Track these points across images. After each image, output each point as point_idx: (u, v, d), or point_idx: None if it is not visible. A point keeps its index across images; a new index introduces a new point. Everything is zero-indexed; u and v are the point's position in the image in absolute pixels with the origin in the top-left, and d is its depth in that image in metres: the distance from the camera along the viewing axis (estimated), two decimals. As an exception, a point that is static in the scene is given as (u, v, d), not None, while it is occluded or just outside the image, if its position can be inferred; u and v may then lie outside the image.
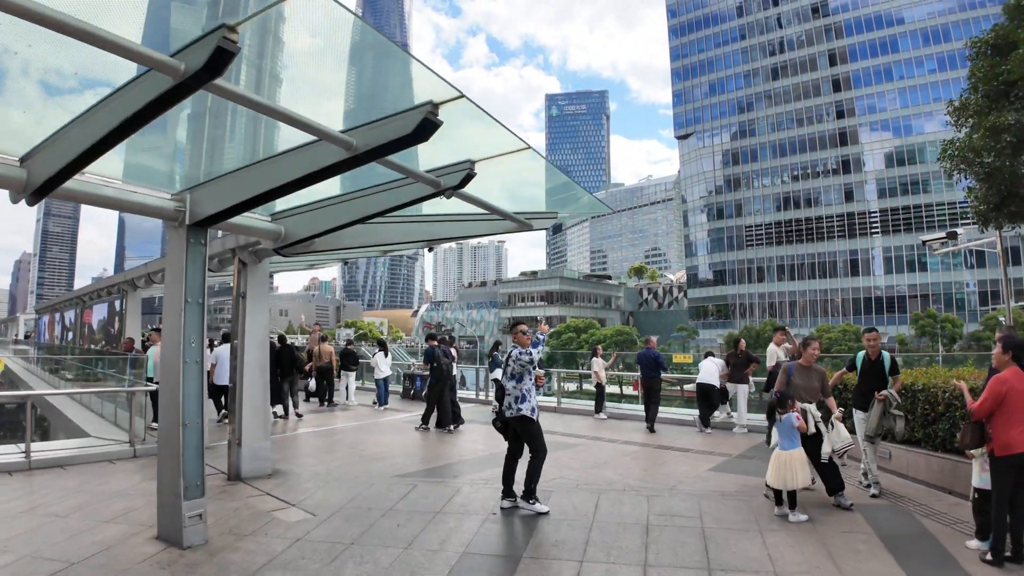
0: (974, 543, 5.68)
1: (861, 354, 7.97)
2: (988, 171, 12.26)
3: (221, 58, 3.52)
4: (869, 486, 7.64)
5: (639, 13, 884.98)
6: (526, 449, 7.15)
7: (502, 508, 6.93)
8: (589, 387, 25.54)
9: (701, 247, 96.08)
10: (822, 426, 7.05)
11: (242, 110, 6.10)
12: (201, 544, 5.82)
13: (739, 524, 6.40)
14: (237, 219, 6.69)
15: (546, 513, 6.78)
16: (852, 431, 7.85)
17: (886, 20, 79.99)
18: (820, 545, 5.77)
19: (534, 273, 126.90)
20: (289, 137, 5.41)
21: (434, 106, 4.35)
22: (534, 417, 7.09)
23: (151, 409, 10.69)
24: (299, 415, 14.41)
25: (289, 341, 15.14)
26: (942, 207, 73.83)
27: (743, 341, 13.59)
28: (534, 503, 6.87)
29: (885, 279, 78.54)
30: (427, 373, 13.94)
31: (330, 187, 6.68)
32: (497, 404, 7.36)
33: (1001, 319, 53.62)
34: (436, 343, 13.43)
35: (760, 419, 11.95)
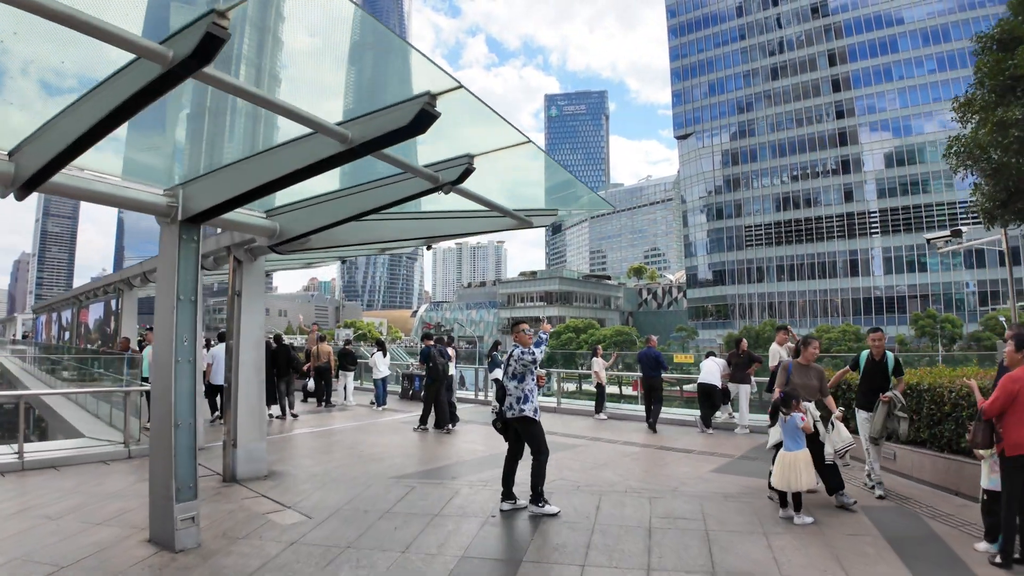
0: (983, 545, 5.56)
1: (865, 353, 7.86)
2: (995, 167, 12.13)
3: (211, 44, 3.39)
4: (874, 487, 7.52)
5: (639, 13, 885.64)
6: (526, 450, 7.02)
7: (502, 510, 6.80)
8: (589, 387, 25.44)
9: (700, 247, 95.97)
10: (820, 426, 6.95)
11: (237, 104, 6.00)
12: (194, 547, 5.69)
13: (743, 526, 6.27)
14: (231, 215, 6.57)
15: (556, 514, 6.68)
16: (855, 431, 7.77)
17: (886, 20, 79.92)
18: (826, 548, 5.65)
19: (533, 273, 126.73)
20: (285, 131, 5.30)
21: (432, 97, 4.22)
22: (536, 418, 6.96)
23: (147, 409, 10.56)
24: (294, 415, 14.30)
25: (288, 341, 15.02)
26: (942, 207, 73.80)
27: (745, 341, 13.47)
28: (543, 505, 6.75)
29: (885, 279, 78.45)
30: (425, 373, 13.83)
31: (326, 183, 6.55)
32: (497, 405, 7.21)
33: (1002, 319, 53.54)
34: (432, 343, 13.31)
35: (762, 420, 11.84)
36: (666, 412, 13.52)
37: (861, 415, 7.76)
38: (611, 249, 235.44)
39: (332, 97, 4.75)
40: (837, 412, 7.31)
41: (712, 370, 12.67)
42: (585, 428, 12.87)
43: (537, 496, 6.77)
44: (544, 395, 16.99)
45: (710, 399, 12.60)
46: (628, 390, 28.50)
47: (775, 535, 5.99)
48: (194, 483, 5.82)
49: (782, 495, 6.59)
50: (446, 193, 5.58)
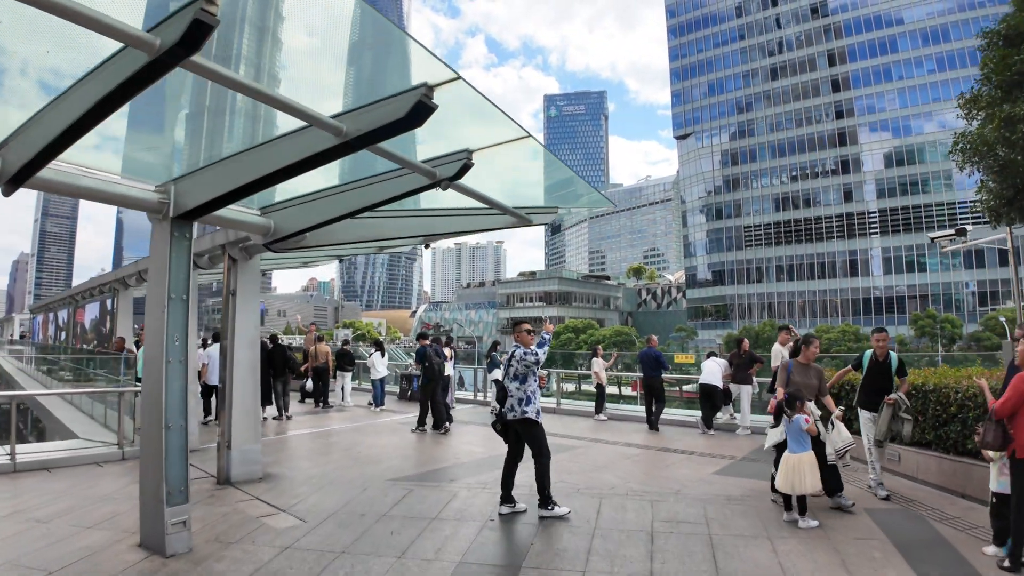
0: (991, 549, 5.45)
1: (868, 353, 7.77)
2: (1002, 164, 11.97)
3: (199, 31, 3.26)
4: (877, 489, 7.44)
5: (638, 13, 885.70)
6: (525, 453, 6.89)
7: (500, 514, 6.66)
8: (588, 388, 25.34)
9: (700, 247, 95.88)
10: (820, 425, 6.84)
11: (231, 99, 5.89)
12: (185, 552, 5.55)
13: (747, 530, 6.14)
14: (224, 212, 6.42)
15: (567, 514, 6.57)
16: (857, 432, 7.69)
17: (885, 20, 79.87)
18: (833, 553, 5.52)
19: (533, 273, 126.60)
20: (279, 126, 5.17)
21: (429, 88, 4.09)
22: (539, 419, 6.82)
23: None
24: (288, 417, 14.15)
25: (286, 342, 14.90)
26: (941, 207, 73.79)
27: (746, 341, 13.31)
28: (552, 508, 6.61)
29: (884, 279, 78.40)
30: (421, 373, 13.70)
31: (322, 179, 6.44)
32: (498, 406, 7.06)
33: (1002, 319, 53.49)
34: (428, 342, 13.18)
35: (763, 421, 11.73)
36: (666, 413, 13.41)
37: (864, 415, 7.67)
38: (610, 249, 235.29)
39: (327, 89, 4.64)
40: (837, 412, 7.22)
41: (713, 370, 12.55)
42: (585, 429, 12.73)
43: (546, 499, 6.64)
44: (544, 395, 16.85)
45: (711, 400, 12.48)
46: (627, 390, 28.39)
47: (780, 539, 5.86)
48: (185, 486, 5.69)
49: (787, 498, 6.46)
50: (444, 189, 5.45)
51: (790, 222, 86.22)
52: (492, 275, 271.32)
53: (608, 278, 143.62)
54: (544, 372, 7.36)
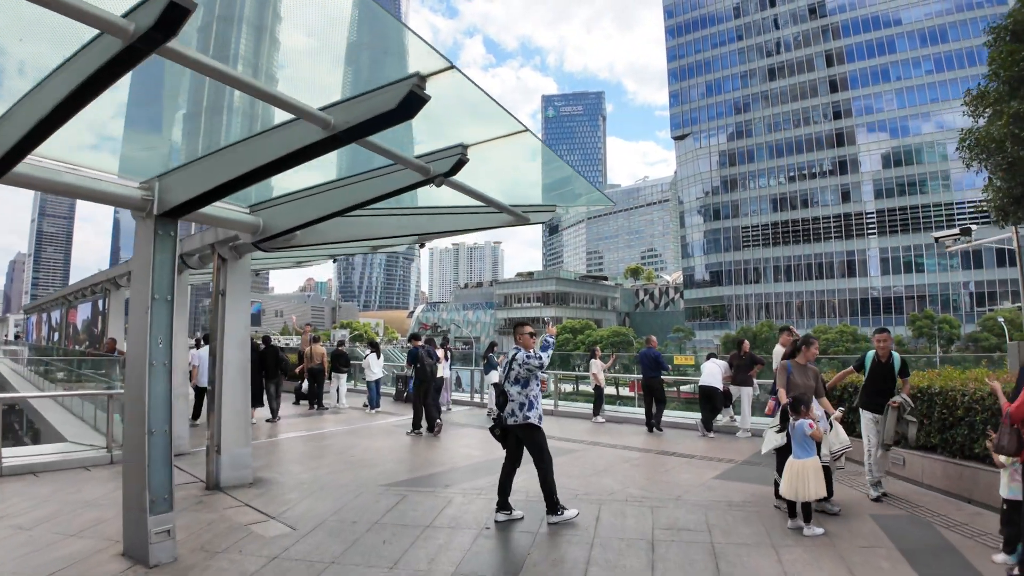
0: (1000, 557, 5.28)
1: (870, 354, 7.63)
2: (1011, 161, 11.77)
3: (174, 15, 3.08)
4: (875, 486, 7.37)
5: (636, 14, 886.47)
6: (523, 457, 6.69)
7: (497, 521, 6.46)
8: (586, 388, 25.13)
9: (697, 248, 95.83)
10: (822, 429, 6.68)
11: (217, 93, 5.69)
12: (169, 562, 5.35)
13: (750, 538, 5.95)
14: (211, 210, 6.23)
15: (576, 516, 6.46)
16: (858, 435, 7.63)
17: (883, 21, 79.91)
18: (839, 561, 5.34)
19: (530, 274, 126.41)
20: (268, 120, 4.98)
21: (421, 78, 3.90)
22: (541, 424, 6.63)
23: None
24: (277, 419, 13.94)
25: (283, 342, 14.71)
26: (939, 208, 73.82)
27: (747, 342, 13.12)
28: (562, 512, 6.45)
29: (882, 280, 78.42)
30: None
31: (312, 176, 6.25)
32: (496, 410, 6.84)
33: (1000, 319, 53.47)
34: (420, 343, 12.98)
35: (764, 423, 11.56)
36: (665, 414, 13.20)
37: (866, 416, 7.56)
38: (608, 250, 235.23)
39: (313, 78, 4.44)
40: (837, 413, 7.11)
41: (713, 372, 12.37)
42: (583, 432, 12.53)
43: (553, 505, 6.46)
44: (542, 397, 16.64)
45: (711, 402, 12.30)
46: (625, 391, 28.18)
47: (785, 548, 5.67)
48: (169, 494, 5.48)
49: (791, 505, 6.28)
50: (438, 186, 5.26)
51: (788, 223, 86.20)
52: (490, 275, 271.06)
53: (606, 278, 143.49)
54: (544, 375, 7.13)
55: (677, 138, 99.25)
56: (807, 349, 7.27)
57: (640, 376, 13.29)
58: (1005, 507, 5.39)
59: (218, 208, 6.43)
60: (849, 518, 6.58)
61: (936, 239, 16.25)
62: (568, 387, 32.31)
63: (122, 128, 5.65)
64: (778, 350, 10.87)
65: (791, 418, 6.35)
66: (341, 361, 17.02)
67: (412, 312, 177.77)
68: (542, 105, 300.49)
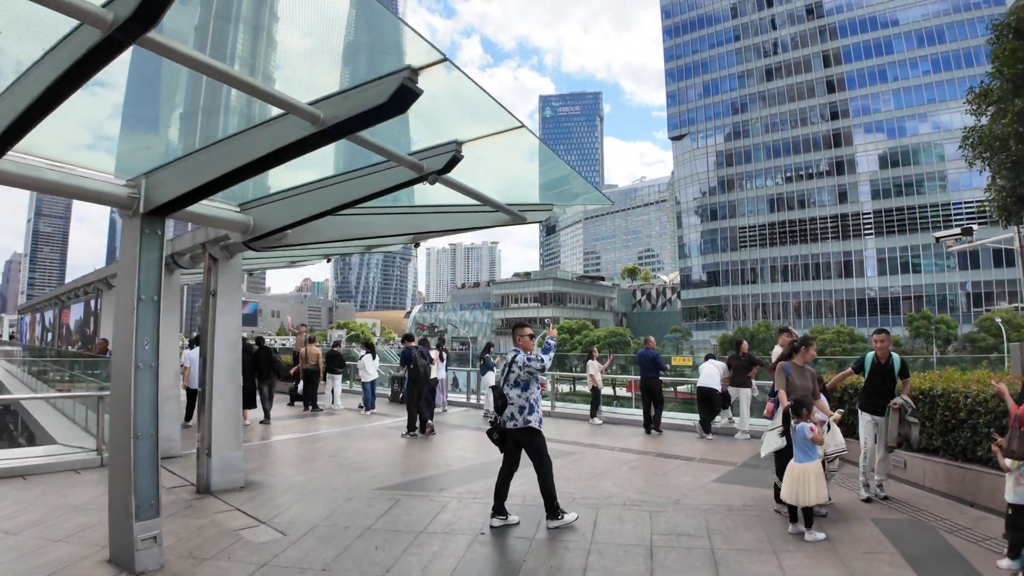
0: (1005, 562, 5.17)
1: (870, 355, 7.56)
2: (1015, 160, 11.63)
3: (153, 5, 2.95)
4: (869, 485, 7.33)
5: (634, 14, 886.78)
6: (521, 462, 6.56)
7: (492, 527, 6.32)
8: (583, 389, 24.97)
9: (694, 248, 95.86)
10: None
11: (206, 88, 5.56)
12: (156, 569, 5.21)
13: (751, 544, 5.83)
14: (200, 209, 6.09)
15: (575, 520, 6.36)
16: (855, 436, 7.59)
17: (880, 22, 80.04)
18: (842, 568, 5.22)
19: (527, 274, 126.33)
20: (257, 116, 4.85)
21: (413, 72, 3.75)
22: (541, 428, 6.50)
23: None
24: (270, 420, 13.78)
25: (280, 343, 14.57)
26: (936, 208, 73.97)
27: (745, 343, 12.99)
28: (562, 516, 6.33)
29: (879, 280, 78.53)
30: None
31: (304, 174, 6.11)
32: (495, 413, 6.69)
33: (998, 320, 53.49)
34: (414, 344, 12.85)
35: (763, 425, 11.45)
36: (663, 415, 13.08)
37: (864, 417, 7.48)
38: (605, 250, 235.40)
39: (304, 72, 4.30)
40: (835, 415, 7.03)
41: (712, 373, 12.25)
42: (580, 434, 12.40)
43: (554, 509, 6.34)
44: (539, 398, 16.50)
45: (710, 403, 12.18)
46: (622, 391, 28.06)
47: (786, 553, 5.55)
48: (156, 499, 5.34)
49: (792, 509, 6.16)
50: (431, 183, 5.12)
51: (785, 223, 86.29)
52: (487, 276, 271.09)
53: (603, 279, 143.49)
54: (543, 377, 7.01)
55: (674, 138, 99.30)
56: (806, 350, 7.20)
57: (638, 377, 13.16)
58: (1010, 512, 5.29)
59: (207, 207, 6.30)
60: (850, 522, 6.47)
61: (937, 239, 16.13)
62: (565, 387, 32.20)
63: (108, 125, 5.53)
64: (777, 351, 10.77)
65: (792, 421, 6.23)
66: (336, 362, 16.86)
67: (409, 312, 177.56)
68: (539, 105, 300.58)
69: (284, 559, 5.46)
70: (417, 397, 12.18)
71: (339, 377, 16.99)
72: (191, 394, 12.76)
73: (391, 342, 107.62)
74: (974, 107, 12.95)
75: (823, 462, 6.55)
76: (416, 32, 3.64)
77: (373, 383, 16.10)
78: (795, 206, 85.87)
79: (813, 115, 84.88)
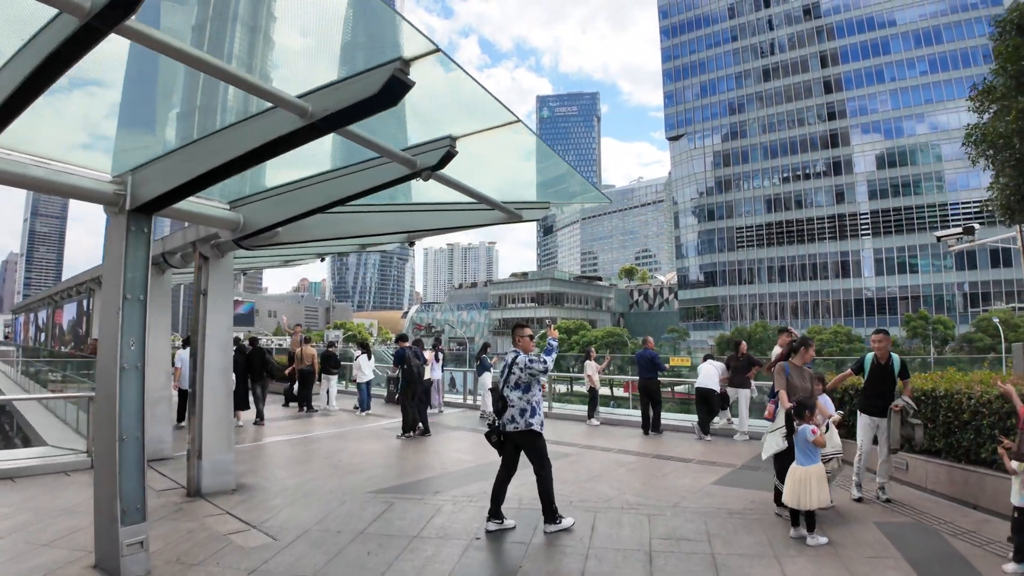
0: (1011, 567, 5.09)
1: (869, 356, 7.47)
2: (1018, 157, 11.50)
3: (131, -8, 2.82)
4: (887, 498, 7.19)
5: (631, 15, 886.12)
6: (519, 465, 6.43)
7: (488, 531, 6.18)
8: (580, 389, 24.86)
9: (692, 248, 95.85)
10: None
11: (195, 83, 5.43)
12: (142, 575, 5.08)
13: (752, 549, 5.71)
14: (188, 206, 5.96)
15: (572, 525, 6.22)
16: (855, 438, 7.48)
17: (878, 22, 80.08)
18: (846, 573, 5.11)
19: (525, 274, 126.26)
20: (247, 110, 4.72)
21: (404, 63, 3.63)
22: (542, 431, 6.37)
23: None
24: (263, 421, 13.66)
25: (278, 343, 14.44)
26: (933, 209, 74.04)
27: (744, 343, 12.86)
28: (560, 521, 6.21)
29: (876, 280, 78.59)
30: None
31: (296, 170, 5.98)
32: (494, 416, 6.52)
33: (995, 320, 53.51)
34: (407, 344, 12.71)
35: (762, 426, 11.35)
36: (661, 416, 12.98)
37: (863, 419, 7.41)
38: (602, 250, 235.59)
39: (292, 65, 4.18)
40: (835, 416, 6.95)
41: (710, 374, 12.13)
42: (578, 435, 12.27)
43: (551, 514, 6.22)
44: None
45: (708, 404, 12.06)
46: (620, 391, 28.00)
47: (788, 559, 5.43)
48: (142, 504, 5.20)
49: (793, 513, 6.03)
50: (425, 180, 4.99)
51: (782, 223, 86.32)
52: (484, 276, 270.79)
53: (600, 279, 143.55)
54: (544, 379, 6.87)
55: (672, 139, 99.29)
56: (805, 350, 7.10)
57: (635, 377, 13.04)
58: (1016, 515, 5.21)
59: (196, 204, 6.16)
60: (853, 525, 6.36)
61: (938, 238, 15.99)
62: (562, 388, 32.11)
63: (95, 122, 5.40)
64: (777, 351, 10.66)
65: (795, 423, 6.10)
66: (331, 362, 16.71)
67: (406, 313, 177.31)
68: (537, 106, 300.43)
69: (274, 565, 5.32)
70: (411, 397, 12.05)
71: (334, 378, 16.83)
72: (183, 395, 12.61)
73: (388, 342, 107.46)
74: (977, 104, 12.82)
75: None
76: (408, 22, 3.52)
77: (369, 384, 15.95)
78: (792, 206, 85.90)
79: (810, 115, 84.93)
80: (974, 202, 66.93)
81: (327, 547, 5.75)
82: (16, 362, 26.99)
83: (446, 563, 5.37)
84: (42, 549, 5.73)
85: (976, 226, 15.30)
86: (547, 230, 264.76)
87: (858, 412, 7.56)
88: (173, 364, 12.27)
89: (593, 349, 15.36)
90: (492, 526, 6.22)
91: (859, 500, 7.21)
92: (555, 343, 6.70)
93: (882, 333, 7.51)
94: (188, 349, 11.74)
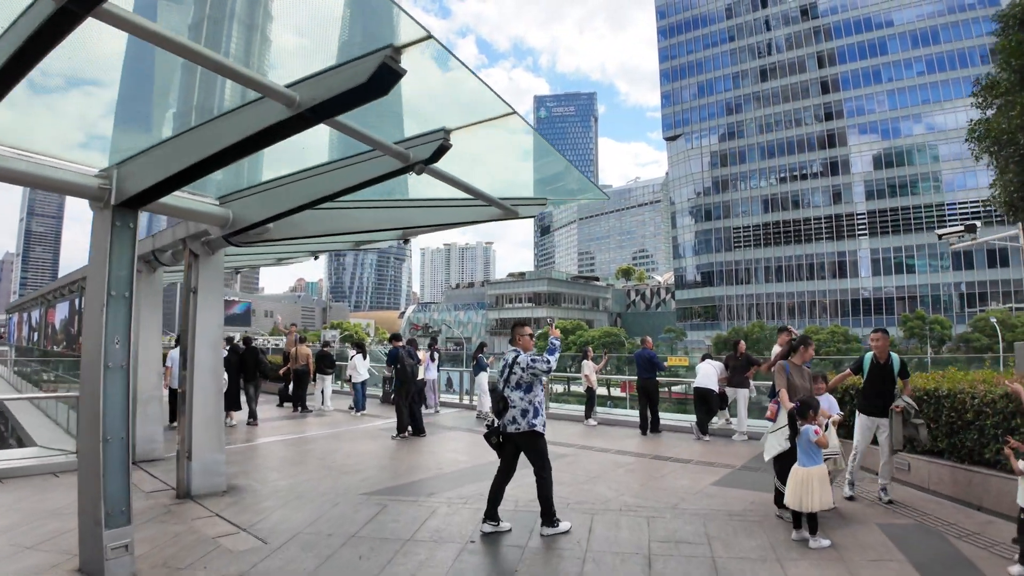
0: (1016, 569, 4.98)
1: (869, 356, 7.37)
2: (1023, 153, 11.36)
3: (108, -31, 2.69)
4: (889, 499, 7.09)
5: (629, 15, 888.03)
6: (518, 467, 6.29)
7: (483, 532, 6.05)
8: (577, 389, 24.71)
9: (689, 249, 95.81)
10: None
11: (184, 73, 5.30)
12: (127, 580, 4.94)
13: (753, 552, 5.58)
14: (176, 201, 5.81)
15: (568, 530, 6.07)
16: (850, 437, 7.44)
17: (875, 23, 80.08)
18: (849, 577, 4.99)
19: (522, 274, 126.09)
20: (235, 101, 4.58)
21: (395, 50, 3.49)
22: (544, 432, 6.22)
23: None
24: (257, 422, 13.52)
25: (274, 343, 14.30)
26: (930, 209, 74.08)
27: (743, 343, 12.72)
28: (557, 524, 6.07)
29: (872, 280, 78.60)
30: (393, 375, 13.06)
31: (287, 165, 5.85)
32: (494, 417, 6.32)
33: (993, 320, 53.52)
34: (400, 343, 12.57)
35: (760, 425, 11.24)
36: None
37: (861, 419, 7.33)
38: (599, 250, 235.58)
39: (280, 56, 4.04)
40: (835, 417, 6.84)
41: (709, 373, 12.01)
42: (575, 435, 12.15)
43: (550, 517, 6.08)
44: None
45: (707, 404, 11.93)
46: (616, 391, 27.84)
47: (790, 562, 5.30)
48: (127, 506, 5.07)
49: (795, 515, 5.91)
50: (418, 173, 4.86)
51: (779, 223, 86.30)
52: (481, 276, 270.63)
53: (597, 279, 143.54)
54: (546, 379, 6.71)
55: (669, 139, 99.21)
56: (804, 349, 7.04)
57: (632, 377, 12.92)
58: (1022, 516, 5.08)
59: (183, 199, 6.01)
60: (855, 527, 6.25)
61: (940, 236, 15.86)
62: (559, 388, 32.00)
63: (82, 116, 5.26)
64: (776, 350, 10.54)
65: (798, 423, 5.96)
66: (326, 362, 16.55)
67: (403, 313, 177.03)
68: (534, 106, 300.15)
69: (263, 569, 5.18)
70: (405, 397, 11.91)
71: (329, 378, 16.68)
72: (173, 394, 12.46)
73: (384, 342, 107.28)
74: (980, 100, 12.68)
75: None
76: (399, 7, 3.39)
77: (364, 384, 15.80)
78: (789, 207, 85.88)
79: (807, 116, 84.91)
80: (971, 202, 67.03)
81: (318, 550, 5.61)
82: (10, 362, 26.83)
83: (440, 567, 5.22)
84: (27, 552, 5.61)
85: (977, 224, 15.19)
86: (544, 230, 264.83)
87: (857, 412, 7.47)
88: (164, 364, 12.13)
89: (591, 349, 15.25)
90: (488, 527, 6.08)
91: (851, 499, 7.15)
92: (557, 342, 6.52)
93: (880, 332, 7.42)
94: (177, 348, 11.63)
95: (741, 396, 11.84)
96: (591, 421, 13.64)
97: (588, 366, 14.08)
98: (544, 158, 6.63)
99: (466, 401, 17.57)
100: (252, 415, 13.30)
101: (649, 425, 12.23)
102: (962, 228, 14.44)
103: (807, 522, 5.80)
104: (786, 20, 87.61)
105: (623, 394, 22.42)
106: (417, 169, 4.76)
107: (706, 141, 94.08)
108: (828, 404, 7.11)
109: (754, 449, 10.44)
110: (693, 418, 12.37)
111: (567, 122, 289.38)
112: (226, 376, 12.51)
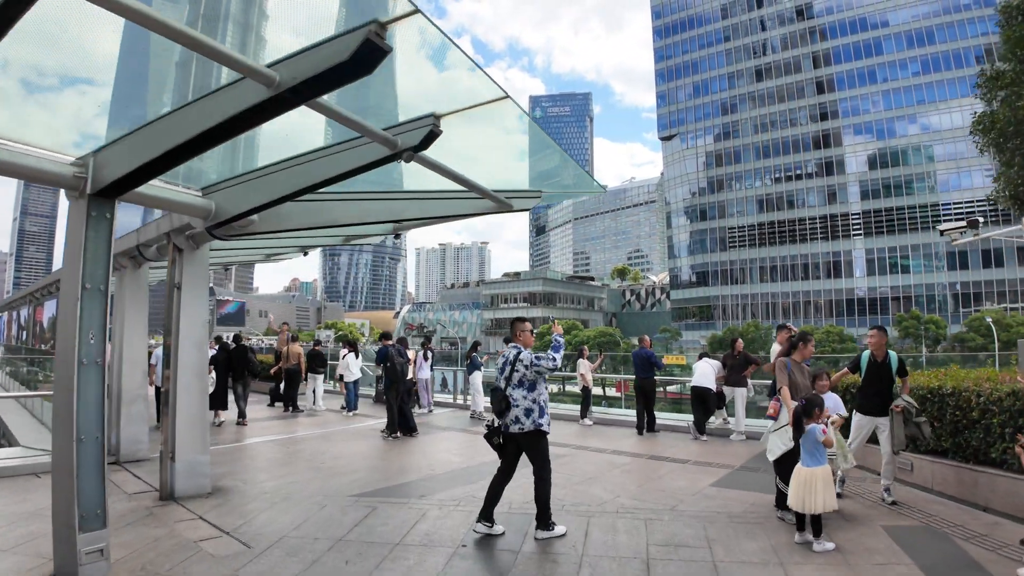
0: (1026, 572, 4.76)
1: (866, 354, 7.27)
2: None
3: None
4: (892, 500, 6.93)
5: (624, 15, 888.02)
6: (517, 467, 6.08)
7: (475, 532, 5.84)
8: (572, 389, 24.56)
9: (684, 249, 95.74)
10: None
11: (163, 57, 5.09)
12: (102, 586, 4.72)
13: (755, 555, 5.38)
14: (155, 191, 5.58)
15: (564, 534, 5.86)
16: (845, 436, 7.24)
17: (870, 23, 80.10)
18: (855, 581, 4.80)
19: (517, 274, 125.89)
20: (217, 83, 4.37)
21: (380, 26, 3.28)
22: (549, 431, 6.02)
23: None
24: (245, 421, 13.28)
25: (269, 343, 14.07)
26: (925, 209, 74.15)
27: (740, 341, 12.52)
28: (553, 528, 5.86)
29: (867, 280, 78.64)
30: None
31: (272, 153, 5.63)
32: (496, 417, 6.08)
33: (988, 319, 53.59)
34: (390, 342, 12.35)
35: (759, 425, 11.08)
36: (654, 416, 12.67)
37: (858, 418, 7.22)
38: (595, 250, 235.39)
39: (262, 35, 3.82)
40: (835, 417, 6.58)
41: (706, 372, 11.82)
42: (570, 435, 11.93)
43: (546, 520, 5.86)
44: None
45: (704, 403, 11.74)
46: (611, 391, 27.68)
47: (794, 566, 5.11)
48: (102, 509, 4.84)
49: (799, 516, 5.72)
50: (407, 161, 4.64)
51: (774, 223, 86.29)
52: (476, 276, 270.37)
53: (592, 279, 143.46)
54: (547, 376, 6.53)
55: (664, 139, 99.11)
56: (804, 346, 6.89)
57: (628, 376, 12.74)
58: (1033, 519, 4.92)
59: (164, 189, 5.78)
60: (859, 529, 6.07)
61: (941, 232, 15.71)
62: (554, 387, 31.81)
63: (56, 100, 5.05)
64: (775, 348, 10.36)
65: (804, 422, 5.74)
66: (318, 361, 16.30)
67: (398, 312, 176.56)
68: (530, 106, 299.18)
69: (244, 574, 4.95)
70: (395, 396, 11.70)
71: (321, 377, 16.42)
72: (159, 393, 12.23)
73: (379, 342, 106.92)
74: (984, 92, 12.50)
75: None
76: (384, -22, 3.18)
77: (356, 383, 15.57)
78: (784, 207, 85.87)
79: (802, 116, 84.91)
80: (966, 202, 67.14)
81: (303, 555, 5.38)
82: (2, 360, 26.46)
83: (429, 573, 5.00)
84: (1, 555, 5.37)
85: (980, 220, 14.99)
86: (539, 230, 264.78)
87: (855, 411, 7.34)
88: (149, 362, 11.88)
89: (586, 348, 15.06)
90: (481, 528, 5.86)
91: (839, 496, 6.92)
92: (561, 339, 6.29)
93: (877, 329, 7.29)
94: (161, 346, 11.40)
95: (739, 395, 11.67)
96: (587, 421, 13.44)
97: (584, 365, 13.90)
98: (539, 147, 6.44)
99: (460, 401, 17.34)
100: (241, 415, 13.06)
101: (645, 424, 12.05)
102: (964, 223, 14.28)
103: (811, 524, 5.61)
104: (781, 20, 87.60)
105: (618, 394, 22.26)
106: (406, 156, 4.55)
107: (701, 141, 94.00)
108: (833, 403, 6.94)
109: (752, 449, 10.26)
110: (690, 418, 12.18)
111: (562, 122, 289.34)
112: (214, 374, 12.29)
